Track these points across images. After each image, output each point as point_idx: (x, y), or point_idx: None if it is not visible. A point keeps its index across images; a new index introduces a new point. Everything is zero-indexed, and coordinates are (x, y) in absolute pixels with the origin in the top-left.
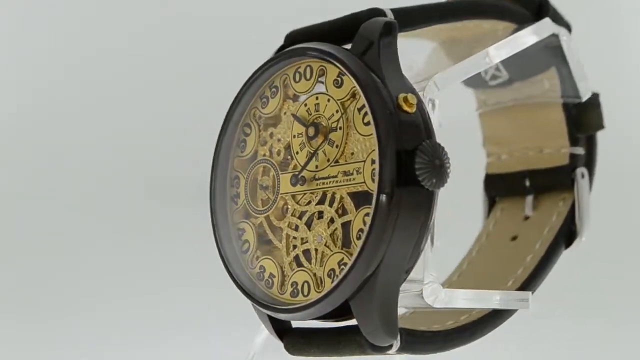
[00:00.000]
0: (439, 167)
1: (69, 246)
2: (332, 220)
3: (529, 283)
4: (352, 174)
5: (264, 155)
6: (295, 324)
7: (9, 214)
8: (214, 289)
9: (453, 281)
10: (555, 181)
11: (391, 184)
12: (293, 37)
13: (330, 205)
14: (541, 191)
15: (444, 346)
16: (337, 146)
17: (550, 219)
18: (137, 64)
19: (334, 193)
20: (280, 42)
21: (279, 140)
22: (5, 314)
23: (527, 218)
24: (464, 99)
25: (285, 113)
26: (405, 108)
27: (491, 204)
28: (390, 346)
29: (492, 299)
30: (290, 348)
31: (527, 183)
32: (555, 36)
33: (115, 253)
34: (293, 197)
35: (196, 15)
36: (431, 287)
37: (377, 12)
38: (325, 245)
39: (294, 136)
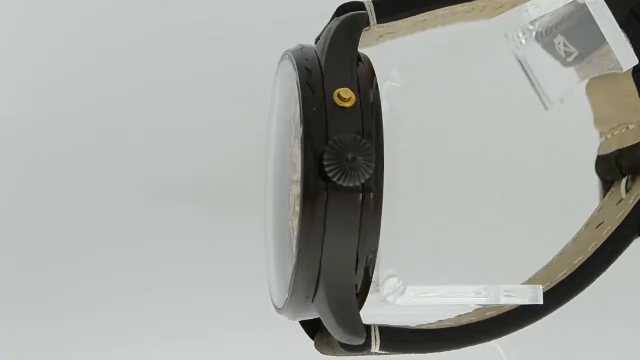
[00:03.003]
0: (350, 163)
1: (70, 245)
2: None
3: (577, 276)
4: None
5: (294, 158)
6: None
7: (8, 213)
8: (216, 289)
9: (537, 275)
10: (634, 160)
11: (309, 183)
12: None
13: None
14: (634, 171)
15: (446, 345)
16: None
17: (629, 202)
18: (138, 64)
19: None
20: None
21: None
22: (7, 314)
23: (620, 202)
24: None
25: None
26: (341, 104)
27: (607, 188)
28: (368, 346)
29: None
30: (316, 347)
31: (618, 163)
32: (581, 3)
33: (115, 253)
34: (298, 198)
35: (197, 16)
36: (388, 284)
37: (352, 7)
38: None
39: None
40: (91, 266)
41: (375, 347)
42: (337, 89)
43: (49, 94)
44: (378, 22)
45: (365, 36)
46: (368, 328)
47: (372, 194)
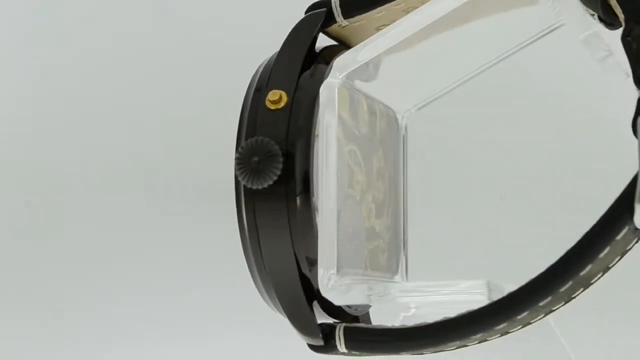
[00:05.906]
0: (255, 165)
1: (70, 246)
2: None
3: (551, 269)
4: None
5: None
6: None
7: (8, 213)
8: (216, 289)
9: None
10: None
11: (236, 186)
12: None
13: None
14: None
15: (422, 344)
16: None
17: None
18: (138, 64)
19: None
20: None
21: None
22: (7, 314)
23: None
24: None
25: None
26: (272, 106)
27: None
28: (334, 346)
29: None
30: None
31: None
32: None
33: (115, 253)
34: None
35: (197, 16)
36: (325, 278)
37: (319, 5)
38: None
39: None
40: (91, 266)
41: (341, 347)
42: (270, 90)
43: (48, 94)
44: (345, 17)
45: (360, 31)
46: (332, 328)
47: (297, 195)
